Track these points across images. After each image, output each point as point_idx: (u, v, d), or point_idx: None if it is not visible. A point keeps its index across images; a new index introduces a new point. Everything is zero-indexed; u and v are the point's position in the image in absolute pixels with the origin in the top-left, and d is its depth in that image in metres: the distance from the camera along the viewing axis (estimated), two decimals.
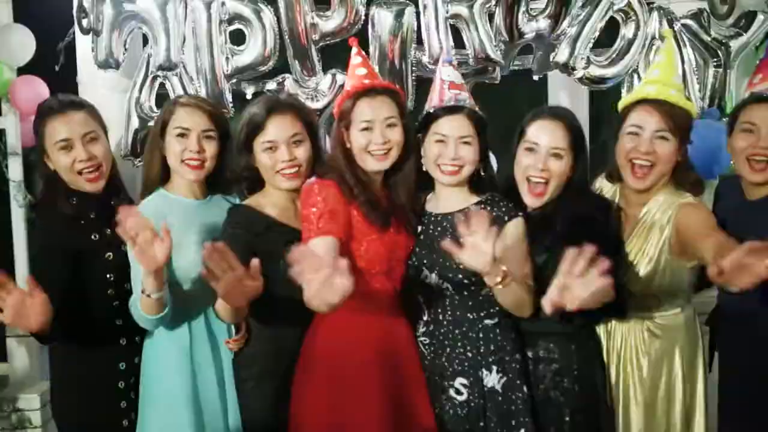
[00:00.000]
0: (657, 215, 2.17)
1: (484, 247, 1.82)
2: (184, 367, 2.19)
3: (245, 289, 1.82)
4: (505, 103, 3.62)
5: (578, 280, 1.68)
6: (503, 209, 2.12)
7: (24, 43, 3.86)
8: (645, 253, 2.17)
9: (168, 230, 1.96)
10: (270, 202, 2.21)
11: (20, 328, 1.95)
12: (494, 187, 2.22)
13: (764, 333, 2.16)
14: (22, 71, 3.92)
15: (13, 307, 1.88)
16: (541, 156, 2.11)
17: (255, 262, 1.80)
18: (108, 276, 2.21)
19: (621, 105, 2.26)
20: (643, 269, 2.16)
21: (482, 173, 2.19)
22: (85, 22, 2.74)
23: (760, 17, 2.75)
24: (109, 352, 2.24)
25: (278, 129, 2.17)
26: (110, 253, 2.21)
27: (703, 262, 2.02)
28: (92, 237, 2.21)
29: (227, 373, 2.24)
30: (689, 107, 2.19)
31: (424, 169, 2.21)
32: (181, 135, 2.21)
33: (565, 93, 3.46)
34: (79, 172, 2.22)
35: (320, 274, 1.65)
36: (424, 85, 2.67)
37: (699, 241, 2.01)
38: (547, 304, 1.72)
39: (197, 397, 2.20)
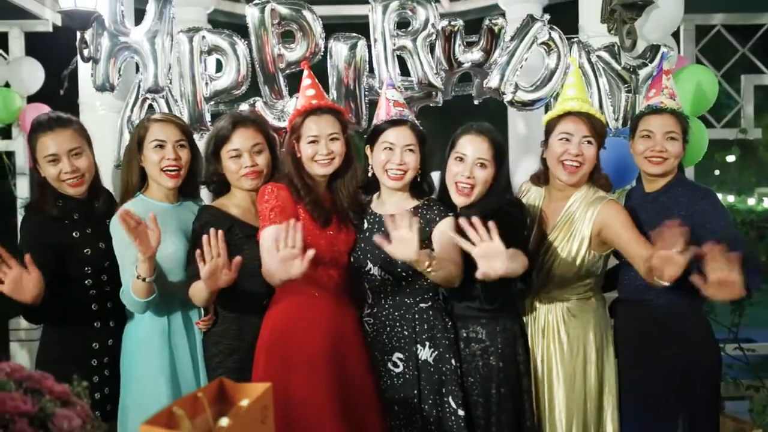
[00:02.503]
0: (579, 209, 2.50)
1: (408, 239, 2.07)
2: (164, 350, 2.42)
3: (223, 276, 2.15)
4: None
5: (487, 246, 2.02)
6: (436, 212, 2.42)
7: (34, 75, 4.26)
8: (568, 241, 2.49)
9: (155, 219, 2.23)
10: (233, 203, 2.50)
11: (16, 298, 2.18)
12: (431, 194, 2.52)
13: (653, 314, 2.50)
14: (31, 99, 4.31)
15: (13, 280, 2.15)
16: (468, 165, 2.41)
17: (238, 259, 2.14)
18: (86, 269, 2.45)
19: (547, 118, 2.61)
20: (566, 255, 2.49)
21: (421, 180, 2.46)
22: (85, 51, 3.06)
23: (663, 50, 3.11)
24: (84, 333, 2.46)
25: (242, 140, 2.46)
26: (88, 249, 2.46)
27: (630, 260, 2.42)
28: (74, 235, 2.45)
29: (200, 353, 2.49)
30: (602, 118, 2.58)
31: (370, 174, 2.50)
32: (159, 146, 2.47)
33: (521, 117, 3.83)
34: (63, 180, 2.46)
35: (287, 251, 2.04)
36: (375, 106, 2.99)
37: (623, 244, 2.40)
38: (479, 274, 2.06)
39: (175, 374, 2.42)
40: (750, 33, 4.93)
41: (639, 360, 2.54)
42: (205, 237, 2.13)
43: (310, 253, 2.06)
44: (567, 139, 2.49)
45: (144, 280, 2.28)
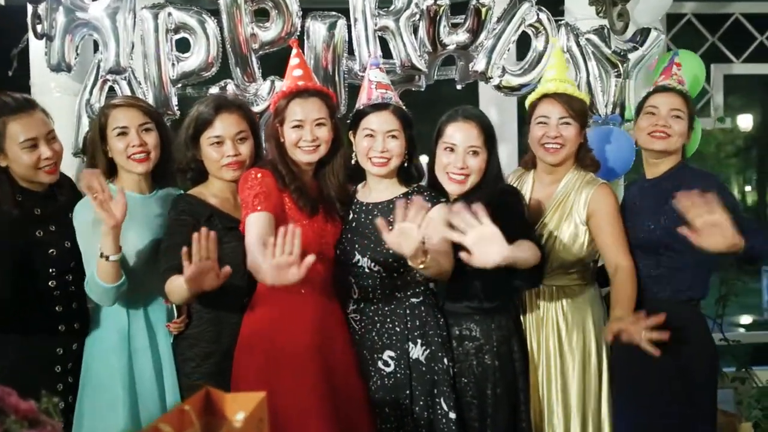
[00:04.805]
0: (573, 191, 2.45)
1: (413, 235, 1.95)
2: (122, 352, 2.29)
3: (208, 281, 1.97)
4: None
5: (479, 232, 1.92)
6: (427, 198, 2.29)
7: None
8: (565, 223, 2.44)
9: (123, 191, 2.11)
10: (212, 192, 2.35)
11: None
12: (421, 179, 2.41)
13: (653, 308, 2.37)
14: None
15: None
16: (459, 155, 2.31)
17: (227, 268, 1.97)
18: (50, 270, 2.28)
19: (528, 101, 2.58)
20: (564, 238, 2.43)
21: (409, 165, 2.36)
22: (39, 28, 2.83)
23: (654, 33, 3.04)
24: (48, 338, 2.30)
25: (225, 126, 2.32)
26: (53, 250, 2.29)
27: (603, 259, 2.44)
28: (36, 234, 2.28)
29: (164, 358, 2.33)
30: (583, 97, 2.54)
31: (354, 162, 2.38)
32: (122, 134, 2.32)
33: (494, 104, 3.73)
34: (40, 168, 2.26)
35: (284, 258, 1.87)
36: (355, 91, 2.82)
37: (601, 238, 2.40)
38: (467, 258, 1.95)
39: (133, 380, 2.28)
40: (719, 22, 4.93)
41: (634, 354, 2.40)
42: (196, 235, 1.94)
43: (309, 259, 1.88)
44: (545, 122, 2.46)
45: (108, 258, 2.12)
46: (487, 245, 1.93)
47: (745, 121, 9.53)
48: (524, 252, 2.09)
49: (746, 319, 6.49)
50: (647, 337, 2.18)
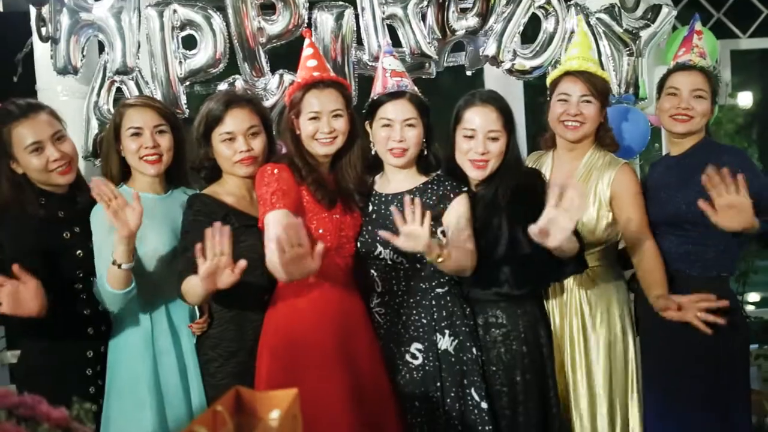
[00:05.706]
0: (596, 170, 2.44)
1: (419, 233, 1.95)
2: (146, 355, 2.26)
3: (224, 277, 1.92)
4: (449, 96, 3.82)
5: (564, 213, 1.93)
6: (448, 188, 2.27)
7: None
8: (587, 201, 2.40)
9: (139, 196, 2.07)
10: (227, 191, 2.31)
11: (20, 314, 2.02)
12: (439, 167, 2.36)
13: (682, 286, 2.38)
14: None
15: (10, 296, 1.99)
16: (480, 141, 2.27)
17: (243, 262, 1.91)
18: (77, 272, 2.26)
19: (549, 79, 2.56)
20: (586, 217, 2.39)
21: (427, 154, 2.32)
22: (43, 30, 2.80)
23: (665, 9, 3.01)
24: (77, 341, 2.27)
25: (236, 121, 2.27)
26: (80, 251, 2.26)
27: (624, 240, 2.45)
28: (64, 236, 2.26)
29: (189, 359, 2.30)
30: (605, 76, 2.51)
31: (373, 152, 2.34)
32: (136, 134, 2.29)
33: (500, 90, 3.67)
34: (51, 171, 2.24)
35: (295, 249, 1.83)
36: (365, 81, 2.83)
37: (625, 218, 2.38)
38: (535, 230, 1.96)
39: (158, 382, 2.26)
40: None
41: (663, 335, 2.41)
42: (209, 231, 1.90)
43: (320, 247, 1.87)
44: (565, 100, 2.44)
45: (120, 266, 2.08)
46: (555, 226, 1.95)
47: (745, 99, 9.44)
48: (569, 243, 2.07)
49: (754, 296, 6.45)
50: (702, 318, 2.20)
